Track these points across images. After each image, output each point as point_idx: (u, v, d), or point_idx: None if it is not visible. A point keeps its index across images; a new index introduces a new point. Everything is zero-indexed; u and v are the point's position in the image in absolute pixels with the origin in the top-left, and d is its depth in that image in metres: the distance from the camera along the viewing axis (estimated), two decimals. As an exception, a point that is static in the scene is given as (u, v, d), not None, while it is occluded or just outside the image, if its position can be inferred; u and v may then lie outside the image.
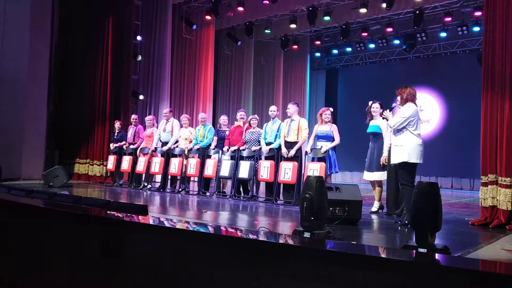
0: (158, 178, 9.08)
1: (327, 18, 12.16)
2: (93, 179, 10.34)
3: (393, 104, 5.26)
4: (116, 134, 9.52)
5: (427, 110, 14.06)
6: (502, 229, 4.67)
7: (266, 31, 13.97)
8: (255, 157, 7.25)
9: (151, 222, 2.89)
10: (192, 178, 9.05)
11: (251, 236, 2.63)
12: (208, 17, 12.72)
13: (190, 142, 8.28)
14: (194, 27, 12.96)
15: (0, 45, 9.59)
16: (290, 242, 2.51)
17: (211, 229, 3.13)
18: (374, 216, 5.60)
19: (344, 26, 12.95)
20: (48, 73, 10.37)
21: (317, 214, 3.50)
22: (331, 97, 16.47)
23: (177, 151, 8.32)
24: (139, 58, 11.95)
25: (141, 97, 12.07)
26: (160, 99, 11.90)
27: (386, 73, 14.67)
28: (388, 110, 5.03)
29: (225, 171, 7.42)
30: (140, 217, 3.00)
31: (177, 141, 8.45)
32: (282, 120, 7.37)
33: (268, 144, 7.11)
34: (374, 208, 5.94)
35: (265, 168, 6.88)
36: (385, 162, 5.68)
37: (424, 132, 12.80)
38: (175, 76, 12.84)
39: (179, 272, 2.46)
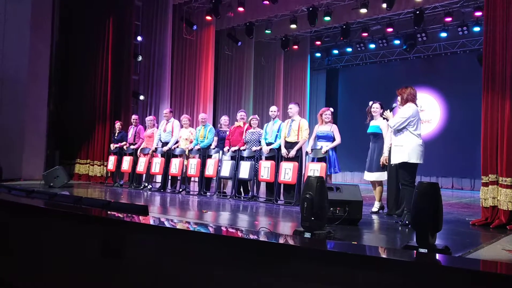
0: (159, 178, 9.08)
1: (327, 18, 12.16)
2: (93, 180, 10.34)
3: (394, 104, 5.26)
4: (116, 134, 9.53)
5: (427, 110, 14.05)
6: (503, 229, 4.67)
7: (267, 31, 13.98)
8: (255, 157, 7.25)
9: (151, 222, 2.89)
10: (192, 179, 9.05)
11: (251, 237, 2.63)
12: (208, 18, 12.73)
13: (191, 142, 8.28)
14: (195, 27, 12.96)
15: (1, 44, 9.61)
16: (291, 242, 2.51)
17: (211, 230, 3.13)
18: (374, 217, 5.60)
19: (344, 26, 12.95)
20: (48, 73, 10.37)
21: (317, 215, 3.50)
22: (331, 98, 16.47)
23: (177, 151, 8.32)
24: (140, 58, 11.96)
25: (141, 97, 12.08)
26: (160, 100, 11.90)
27: (386, 73, 14.67)
28: (388, 110, 5.03)
29: (225, 171, 7.42)
30: (140, 217, 3.00)
31: (177, 142, 8.46)
32: (282, 120, 7.36)
33: (268, 144, 7.11)
34: (375, 208, 5.93)
35: (265, 169, 6.88)
36: (385, 162, 5.68)
37: (425, 132, 12.81)
38: (175, 76, 12.85)
39: (180, 272, 2.46)
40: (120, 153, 9.28)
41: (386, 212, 5.80)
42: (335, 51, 15.50)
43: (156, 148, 8.68)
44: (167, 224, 3.02)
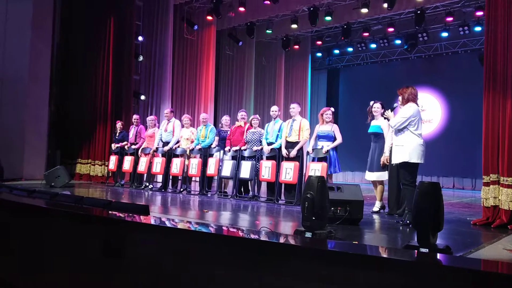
0: (160, 178, 9.09)
1: (328, 18, 12.16)
2: (94, 179, 10.35)
3: (395, 104, 5.25)
4: (117, 134, 9.54)
5: (428, 110, 14.04)
6: (504, 229, 4.67)
7: (267, 31, 13.97)
8: (256, 157, 7.25)
9: (152, 222, 2.89)
10: (193, 178, 9.05)
11: (252, 236, 2.63)
12: (209, 18, 12.73)
13: (192, 142, 8.28)
14: (196, 27, 12.96)
15: (2, 45, 9.62)
16: (292, 242, 2.52)
17: (212, 229, 3.13)
18: (375, 216, 5.60)
19: (345, 26, 12.94)
20: (49, 73, 10.37)
21: (318, 214, 3.50)
22: (332, 97, 16.47)
23: (179, 151, 8.33)
24: (141, 58, 11.97)
25: (142, 97, 12.08)
26: (161, 99, 11.91)
27: (387, 73, 14.66)
28: (389, 110, 5.03)
29: (226, 171, 7.43)
30: (141, 217, 3.00)
31: (178, 141, 8.46)
32: (283, 120, 7.35)
33: (269, 144, 7.11)
34: (376, 208, 5.93)
35: (266, 168, 6.88)
36: (386, 162, 5.68)
37: (426, 132, 12.82)
38: (176, 76, 12.85)
39: (181, 272, 2.46)
40: (121, 153, 9.29)
41: (387, 211, 5.80)
42: (336, 51, 15.49)
43: (157, 148, 8.69)
44: (168, 224, 3.02)
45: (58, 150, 10.81)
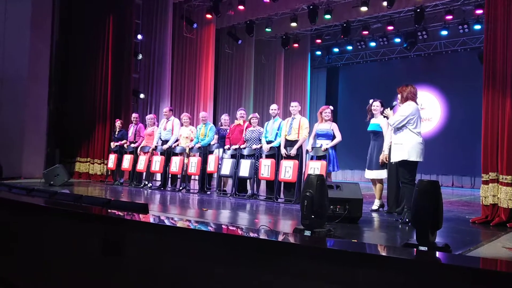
0: (159, 176, 9.09)
1: (327, 16, 12.14)
2: (93, 178, 10.34)
3: (394, 103, 5.25)
4: (117, 132, 9.53)
5: (428, 108, 14.04)
6: (503, 227, 4.67)
7: (267, 29, 13.96)
8: (255, 155, 7.25)
9: (151, 220, 2.90)
10: (192, 177, 9.05)
11: (251, 234, 2.63)
12: (208, 16, 12.71)
13: (191, 140, 8.28)
14: (195, 25, 12.94)
15: (1, 44, 9.60)
16: (291, 240, 2.52)
17: (211, 228, 3.13)
18: (374, 214, 5.60)
19: (344, 25, 12.93)
20: (48, 73, 10.36)
21: (317, 213, 3.50)
22: (331, 96, 16.47)
23: (178, 149, 8.33)
24: (140, 57, 11.96)
25: (141, 95, 12.08)
26: (160, 98, 11.90)
27: (387, 72, 14.66)
28: (389, 109, 5.03)
29: (226, 169, 7.42)
30: (140, 215, 3.00)
31: (177, 140, 8.46)
32: (283, 118, 7.35)
33: (268, 142, 7.11)
34: (375, 206, 5.94)
35: (265, 167, 6.89)
36: (385, 160, 5.68)
37: (425, 130, 12.81)
38: (175, 74, 12.84)
39: (180, 270, 2.46)
40: (120, 152, 9.29)
41: (386, 210, 5.81)
42: (336, 49, 15.48)
43: (156, 146, 8.69)
44: (167, 222, 3.02)
45: (57, 149, 10.80)
